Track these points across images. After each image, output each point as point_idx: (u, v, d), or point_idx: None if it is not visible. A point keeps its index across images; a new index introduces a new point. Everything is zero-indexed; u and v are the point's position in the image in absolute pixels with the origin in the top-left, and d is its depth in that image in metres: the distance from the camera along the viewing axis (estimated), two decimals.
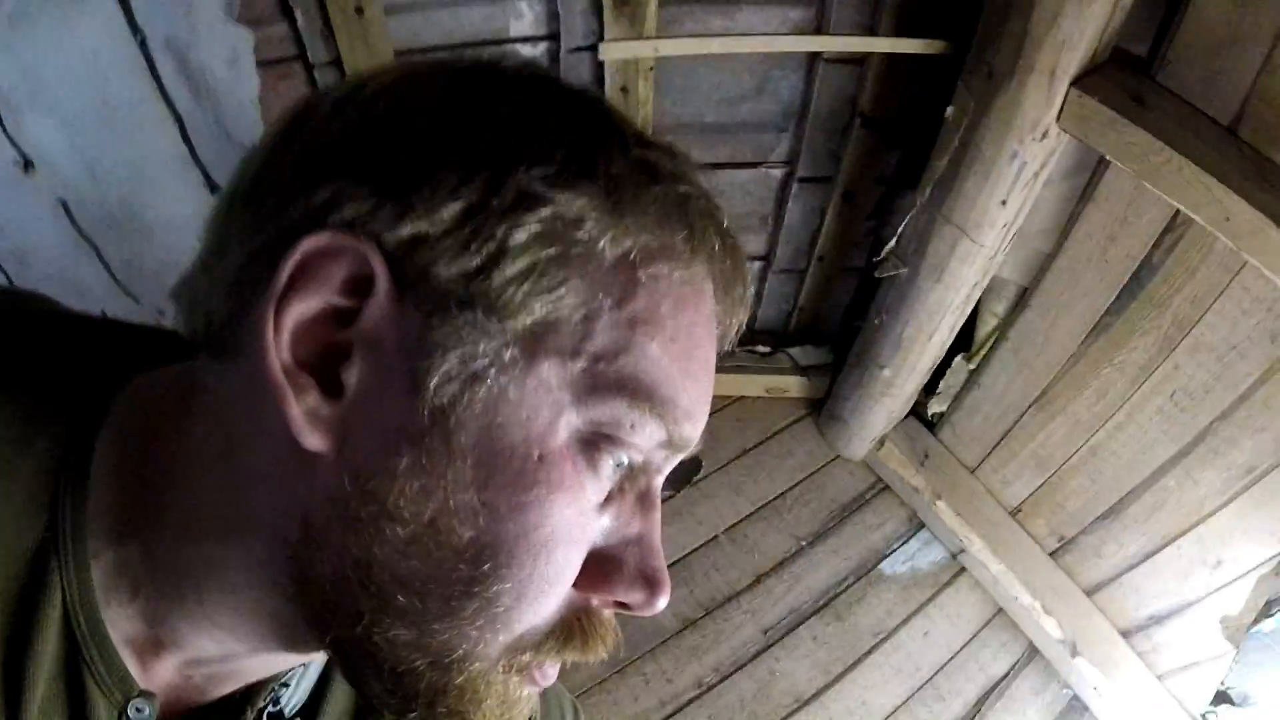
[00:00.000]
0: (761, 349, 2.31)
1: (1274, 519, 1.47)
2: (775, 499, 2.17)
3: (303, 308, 0.38)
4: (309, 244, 0.37)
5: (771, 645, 1.94)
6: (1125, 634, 1.83)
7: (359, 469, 0.38)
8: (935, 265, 1.75)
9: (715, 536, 2.08)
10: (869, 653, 1.95)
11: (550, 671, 0.45)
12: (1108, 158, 1.45)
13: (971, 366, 1.97)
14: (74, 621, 0.42)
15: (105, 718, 0.43)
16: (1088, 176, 1.56)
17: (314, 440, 0.38)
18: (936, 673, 1.93)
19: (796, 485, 2.20)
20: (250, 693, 0.51)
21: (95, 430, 0.43)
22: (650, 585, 0.43)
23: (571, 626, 0.43)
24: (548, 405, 0.38)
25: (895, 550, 2.12)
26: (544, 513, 0.38)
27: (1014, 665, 1.97)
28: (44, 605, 0.41)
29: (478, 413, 0.37)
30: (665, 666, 1.88)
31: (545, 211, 0.37)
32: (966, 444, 2.06)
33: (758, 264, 2.17)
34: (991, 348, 1.90)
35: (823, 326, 2.34)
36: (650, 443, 0.41)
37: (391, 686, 0.41)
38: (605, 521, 0.42)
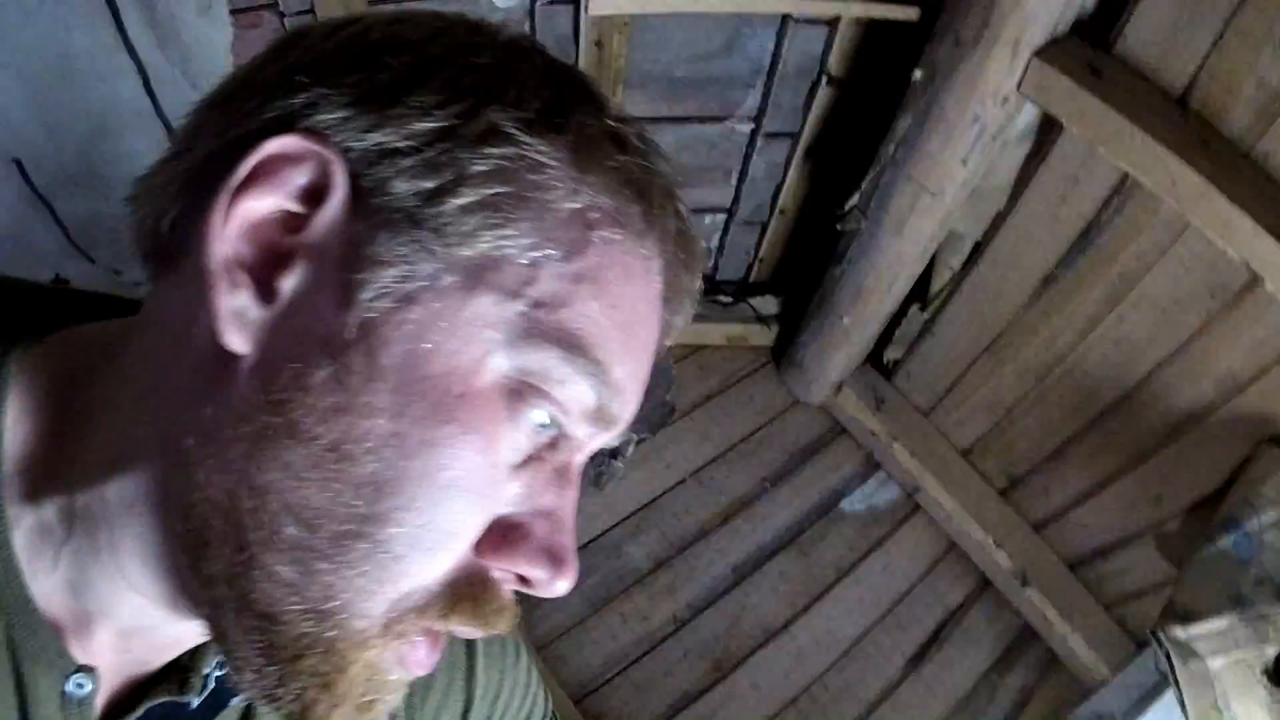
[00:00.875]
0: (723, 298, 2.38)
1: (1211, 458, 1.60)
2: (739, 443, 2.26)
3: (255, 205, 0.37)
4: (275, 144, 0.37)
5: (741, 581, 2.04)
6: (1072, 566, 1.98)
7: (273, 377, 0.37)
8: (896, 219, 1.83)
9: (684, 479, 2.17)
10: (832, 586, 2.06)
11: (423, 658, 0.42)
12: (1063, 123, 1.54)
13: (926, 316, 2.07)
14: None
15: (47, 696, 0.42)
16: (1043, 139, 1.64)
17: (235, 339, 0.37)
18: (896, 604, 2.06)
19: (759, 430, 2.29)
20: (194, 657, 0.49)
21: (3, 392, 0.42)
22: (555, 561, 0.41)
23: (460, 590, 0.40)
24: (479, 341, 0.37)
25: (854, 490, 2.23)
26: (453, 454, 0.37)
27: (968, 596, 2.10)
28: None
29: (406, 334, 0.37)
30: (641, 605, 1.97)
31: (510, 150, 0.38)
32: (921, 389, 2.18)
33: (721, 215, 2.22)
34: (946, 298, 2.00)
35: (783, 277, 2.41)
36: (577, 406, 0.40)
37: (258, 636, 0.38)
38: (517, 488, 0.40)
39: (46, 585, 0.42)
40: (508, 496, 0.40)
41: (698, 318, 2.34)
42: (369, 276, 0.37)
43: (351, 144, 0.37)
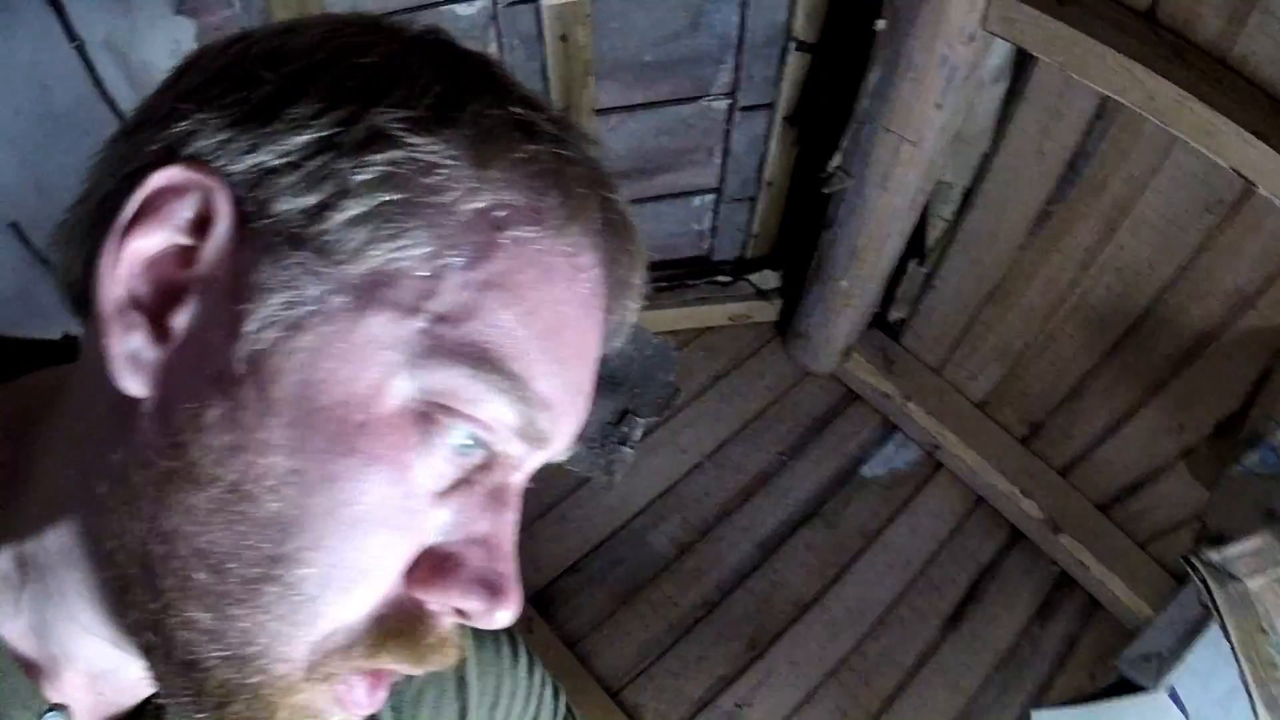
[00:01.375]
0: (722, 278, 2.36)
1: (1229, 378, 1.56)
2: (753, 420, 2.23)
3: (144, 243, 0.36)
4: (158, 178, 0.36)
5: (768, 558, 2.02)
6: (1103, 507, 1.94)
7: (170, 419, 0.35)
8: (879, 174, 1.80)
9: (700, 462, 2.15)
10: (860, 554, 2.03)
11: (363, 699, 0.40)
12: (1034, 54, 1.50)
13: (925, 270, 2.03)
14: None
15: None
16: (1018, 75, 1.61)
17: (131, 383, 0.36)
18: (928, 565, 2.02)
19: (772, 405, 2.26)
20: None
21: None
22: (491, 591, 0.39)
23: (389, 627, 0.38)
24: (377, 365, 0.35)
25: (873, 455, 2.20)
26: (359, 488, 0.35)
27: (1000, 549, 2.06)
28: None
29: (298, 364, 0.35)
30: (670, 592, 1.95)
31: (396, 154, 0.35)
32: (929, 345, 2.15)
33: (710, 196, 2.21)
34: (943, 250, 1.97)
35: (780, 250, 2.39)
36: (500, 425, 0.38)
37: (185, 683, 0.37)
38: (447, 515, 0.38)
39: (14, 629, 0.41)
40: (435, 525, 0.38)
41: (699, 300, 2.34)
42: (254, 306, 0.35)
43: (232, 168, 0.36)
